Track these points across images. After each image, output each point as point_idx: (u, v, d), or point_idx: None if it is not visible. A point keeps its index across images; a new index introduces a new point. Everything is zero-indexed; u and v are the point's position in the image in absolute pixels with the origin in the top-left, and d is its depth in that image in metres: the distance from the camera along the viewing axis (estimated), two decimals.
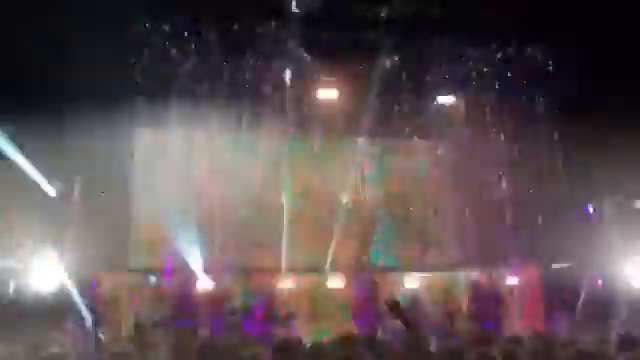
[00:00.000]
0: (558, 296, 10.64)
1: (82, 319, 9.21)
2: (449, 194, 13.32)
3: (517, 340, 4.67)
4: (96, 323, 9.20)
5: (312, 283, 12.08)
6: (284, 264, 12.10)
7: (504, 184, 12.13)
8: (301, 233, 12.46)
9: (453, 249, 13.21)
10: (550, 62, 10.72)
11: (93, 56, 8.77)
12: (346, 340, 4.37)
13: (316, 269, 12.24)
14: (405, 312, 4.31)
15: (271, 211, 12.28)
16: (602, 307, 10.25)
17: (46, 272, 8.84)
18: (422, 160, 13.38)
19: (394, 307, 4.35)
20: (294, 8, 9.51)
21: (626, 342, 4.60)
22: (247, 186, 12.02)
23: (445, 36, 10.09)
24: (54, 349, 4.73)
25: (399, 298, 10.16)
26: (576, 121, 9.80)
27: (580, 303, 10.54)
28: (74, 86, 8.92)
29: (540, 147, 11.19)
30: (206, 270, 11.23)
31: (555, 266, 11.13)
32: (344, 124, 12.20)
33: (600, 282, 10.85)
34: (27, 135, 8.60)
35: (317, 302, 11.88)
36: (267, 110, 11.73)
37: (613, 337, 4.82)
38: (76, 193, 9.44)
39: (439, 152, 13.29)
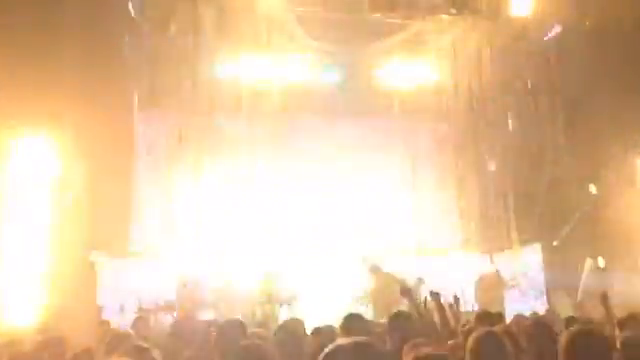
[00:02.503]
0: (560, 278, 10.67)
1: None
2: (450, 175, 13.36)
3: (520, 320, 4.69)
4: None
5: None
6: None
7: (506, 165, 12.10)
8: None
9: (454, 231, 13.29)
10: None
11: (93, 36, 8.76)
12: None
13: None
14: (416, 298, 4.49)
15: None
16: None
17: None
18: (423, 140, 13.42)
19: (406, 293, 4.55)
20: None
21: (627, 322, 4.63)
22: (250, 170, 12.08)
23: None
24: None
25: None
26: (580, 101, 9.78)
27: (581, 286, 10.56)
28: (75, 65, 8.89)
29: (543, 126, 11.14)
30: (207, 254, 11.29)
31: (555, 243, 11.13)
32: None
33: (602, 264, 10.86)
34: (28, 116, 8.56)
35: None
36: (269, 93, 11.71)
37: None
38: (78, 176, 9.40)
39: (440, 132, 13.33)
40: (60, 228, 9.03)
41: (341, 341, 2.20)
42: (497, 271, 11.23)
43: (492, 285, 10.80)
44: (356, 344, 2.14)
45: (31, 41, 8.51)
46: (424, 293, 10.43)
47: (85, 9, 9.03)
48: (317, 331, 4.90)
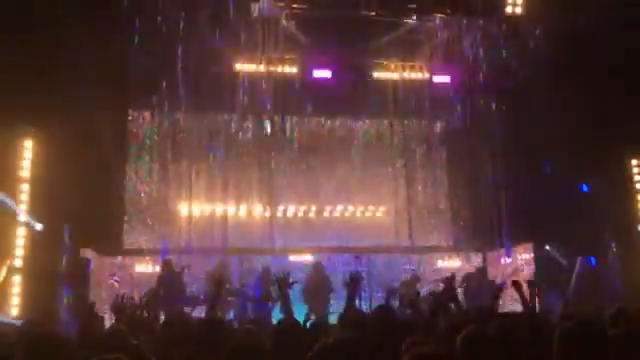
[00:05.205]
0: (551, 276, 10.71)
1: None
2: (441, 175, 13.39)
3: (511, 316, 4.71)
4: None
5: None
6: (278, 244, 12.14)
7: (497, 164, 12.13)
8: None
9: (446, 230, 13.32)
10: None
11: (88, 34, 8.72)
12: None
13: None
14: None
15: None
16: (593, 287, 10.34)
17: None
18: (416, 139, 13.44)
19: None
20: None
21: (620, 317, 4.64)
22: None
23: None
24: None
25: None
26: (572, 97, 9.80)
27: (572, 284, 10.61)
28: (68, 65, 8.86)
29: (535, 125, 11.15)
30: (200, 250, 11.25)
31: (547, 247, 11.18)
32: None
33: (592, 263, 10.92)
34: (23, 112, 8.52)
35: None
36: (259, 91, 11.67)
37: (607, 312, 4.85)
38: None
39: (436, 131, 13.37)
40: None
41: (330, 340, 2.21)
42: (484, 268, 11.30)
43: (482, 283, 10.85)
44: (344, 342, 2.15)
45: (22, 40, 8.46)
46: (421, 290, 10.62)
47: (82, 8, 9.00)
48: (310, 327, 4.89)
